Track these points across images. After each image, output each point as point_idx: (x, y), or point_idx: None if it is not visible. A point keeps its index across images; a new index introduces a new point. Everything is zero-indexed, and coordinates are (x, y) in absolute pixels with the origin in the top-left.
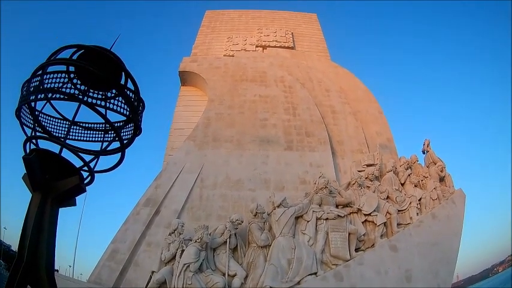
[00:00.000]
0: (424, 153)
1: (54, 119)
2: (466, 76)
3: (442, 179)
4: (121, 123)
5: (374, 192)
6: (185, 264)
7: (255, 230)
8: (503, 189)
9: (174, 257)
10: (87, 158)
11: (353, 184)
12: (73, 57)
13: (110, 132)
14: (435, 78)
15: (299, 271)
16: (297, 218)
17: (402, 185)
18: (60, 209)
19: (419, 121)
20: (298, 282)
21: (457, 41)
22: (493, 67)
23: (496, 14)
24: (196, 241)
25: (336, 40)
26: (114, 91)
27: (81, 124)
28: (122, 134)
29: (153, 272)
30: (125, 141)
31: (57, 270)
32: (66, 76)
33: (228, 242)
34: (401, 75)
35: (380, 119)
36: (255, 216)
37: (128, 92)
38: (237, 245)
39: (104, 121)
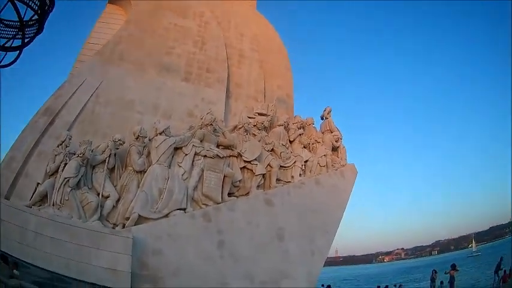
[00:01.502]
0: (322, 119)
1: None
2: (386, 53)
3: (335, 149)
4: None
5: (259, 141)
6: (65, 178)
7: (134, 153)
8: (403, 183)
9: (58, 170)
10: None
11: (239, 128)
12: None
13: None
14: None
15: (168, 203)
16: (176, 149)
17: (291, 142)
18: None
19: (331, 95)
20: (166, 215)
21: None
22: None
23: None
24: (78, 156)
25: None
26: None
27: None
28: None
29: (38, 184)
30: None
31: None
32: None
33: (106, 161)
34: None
35: (285, 75)
36: (136, 139)
37: None
38: (115, 165)
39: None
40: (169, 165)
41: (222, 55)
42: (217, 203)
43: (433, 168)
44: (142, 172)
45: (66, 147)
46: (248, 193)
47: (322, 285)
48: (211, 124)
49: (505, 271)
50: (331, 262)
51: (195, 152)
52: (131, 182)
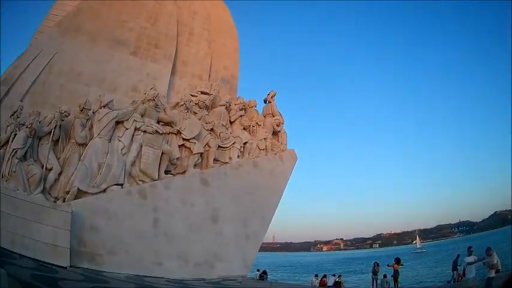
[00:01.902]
0: (265, 102)
1: None
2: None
3: (275, 134)
4: None
5: (199, 120)
6: (14, 149)
7: (78, 125)
8: (347, 174)
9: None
10: None
11: (181, 105)
12: None
13: None
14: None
15: (106, 178)
16: (118, 123)
17: (231, 123)
18: None
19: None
20: (104, 190)
21: None
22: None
23: None
24: (27, 127)
25: None
26: None
27: None
28: None
29: None
30: None
31: None
32: None
33: (52, 132)
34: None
35: (233, 56)
36: (81, 111)
37: None
38: (59, 137)
39: None
40: (110, 139)
41: (172, 31)
42: (154, 180)
43: (382, 162)
44: (84, 145)
45: (17, 118)
46: (185, 172)
47: (258, 270)
48: (153, 99)
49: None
50: (268, 248)
51: (136, 127)
52: (73, 155)
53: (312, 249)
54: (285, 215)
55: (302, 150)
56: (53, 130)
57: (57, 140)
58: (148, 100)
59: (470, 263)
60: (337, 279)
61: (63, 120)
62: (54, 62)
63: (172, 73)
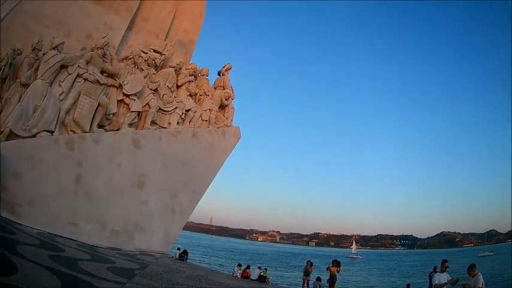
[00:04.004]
0: (219, 75)
1: None
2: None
3: (223, 107)
4: None
5: (145, 77)
6: None
7: (26, 64)
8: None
9: None
10: None
11: (129, 59)
12: None
13: None
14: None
15: (39, 123)
16: (63, 67)
17: (178, 87)
18: None
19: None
20: (35, 135)
21: None
22: None
23: None
24: None
25: None
26: None
27: None
28: None
29: None
30: None
31: None
32: None
33: (1, 70)
34: None
35: (196, 21)
36: (32, 51)
37: None
38: (8, 76)
39: None
40: (52, 83)
41: None
42: (85, 132)
43: (331, 163)
44: (27, 85)
45: None
46: (119, 130)
47: (178, 249)
48: (102, 48)
49: None
50: (205, 229)
51: (78, 74)
52: (15, 95)
53: (247, 237)
54: (225, 198)
55: (255, 134)
56: (3, 67)
57: (6, 78)
58: (97, 48)
59: (439, 285)
60: (261, 273)
61: (14, 58)
62: (26, 1)
63: (130, 27)
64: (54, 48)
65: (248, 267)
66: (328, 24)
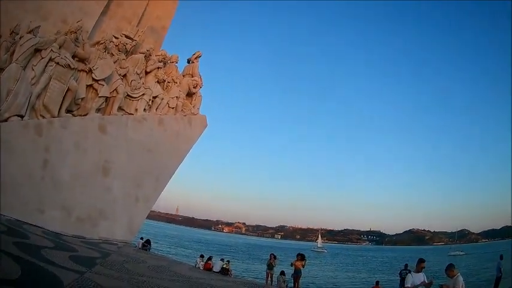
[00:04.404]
0: (188, 62)
1: None
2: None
3: (190, 95)
4: None
5: (114, 63)
6: None
7: (3, 48)
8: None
9: None
10: None
11: (100, 44)
12: None
13: None
14: None
15: (11, 107)
16: (37, 51)
17: (146, 74)
18: None
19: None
20: (6, 119)
21: None
22: None
23: None
24: None
25: None
26: None
27: None
28: None
29: None
30: None
31: None
32: None
33: None
34: None
35: (169, 7)
36: (10, 34)
37: None
38: None
39: None
40: (25, 67)
41: None
42: (53, 117)
43: (301, 154)
44: (3, 69)
45: None
46: (87, 115)
47: (141, 238)
48: (75, 32)
49: None
50: (171, 219)
51: (50, 57)
52: None
53: (213, 228)
54: (192, 187)
55: (224, 124)
56: None
57: None
58: (71, 32)
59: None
60: (224, 265)
61: None
62: None
63: (104, 12)
64: (30, 32)
65: (210, 258)
66: (317, 19)
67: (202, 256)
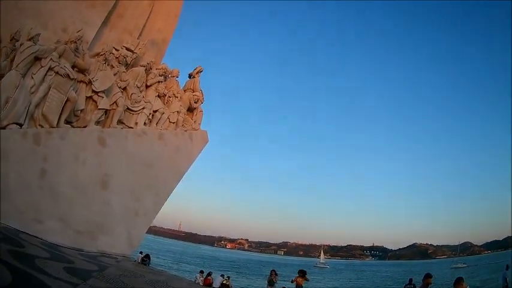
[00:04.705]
0: (190, 77)
1: None
2: None
3: (191, 110)
4: None
5: (115, 75)
6: None
7: (3, 54)
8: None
9: None
10: None
11: (100, 55)
12: None
13: None
14: None
15: (9, 115)
16: (36, 59)
17: (147, 87)
18: None
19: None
20: (5, 127)
21: None
22: None
23: None
24: None
25: None
26: None
27: None
28: None
29: None
30: None
31: None
32: None
33: None
34: None
35: (171, 20)
36: (10, 41)
37: None
38: None
39: None
40: (25, 75)
41: None
42: (52, 127)
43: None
44: (2, 76)
45: None
46: (86, 127)
47: (141, 253)
48: (75, 41)
49: None
50: (174, 235)
51: (50, 66)
52: None
53: (215, 244)
54: (194, 204)
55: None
56: None
57: None
58: (71, 42)
59: None
60: (224, 281)
61: None
62: None
63: (105, 23)
64: (30, 40)
65: (209, 274)
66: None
67: (202, 272)
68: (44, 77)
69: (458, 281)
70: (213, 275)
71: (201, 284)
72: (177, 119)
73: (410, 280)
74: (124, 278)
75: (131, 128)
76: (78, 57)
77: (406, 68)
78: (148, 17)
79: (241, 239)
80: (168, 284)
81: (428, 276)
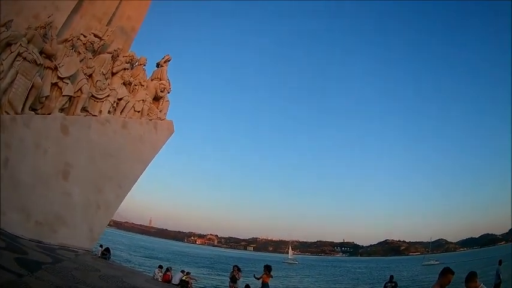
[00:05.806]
0: (158, 66)
1: None
2: None
3: (157, 99)
4: None
5: (81, 61)
6: None
7: None
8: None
9: None
10: None
11: (68, 41)
12: None
13: None
14: None
15: None
16: (8, 45)
17: (113, 75)
18: None
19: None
20: None
21: None
22: None
23: None
24: None
25: None
26: None
27: None
28: None
29: None
30: None
31: None
32: None
33: None
34: None
35: (141, 8)
36: None
37: None
38: None
39: None
40: None
41: None
42: (17, 114)
43: (272, 165)
44: None
45: None
46: (50, 114)
47: (101, 246)
48: (44, 27)
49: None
50: (144, 231)
51: (19, 52)
52: None
53: (185, 240)
54: (164, 199)
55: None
56: None
57: None
58: (40, 27)
59: None
60: (184, 277)
61: None
62: None
63: (76, 10)
64: (3, 26)
65: (168, 269)
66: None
67: (161, 267)
68: (13, 63)
69: (471, 276)
70: (172, 271)
71: (159, 279)
72: (142, 108)
73: (391, 277)
74: (76, 272)
75: (95, 116)
76: (46, 43)
77: (406, 68)
78: (118, 5)
79: (210, 234)
80: (123, 279)
81: (448, 271)
